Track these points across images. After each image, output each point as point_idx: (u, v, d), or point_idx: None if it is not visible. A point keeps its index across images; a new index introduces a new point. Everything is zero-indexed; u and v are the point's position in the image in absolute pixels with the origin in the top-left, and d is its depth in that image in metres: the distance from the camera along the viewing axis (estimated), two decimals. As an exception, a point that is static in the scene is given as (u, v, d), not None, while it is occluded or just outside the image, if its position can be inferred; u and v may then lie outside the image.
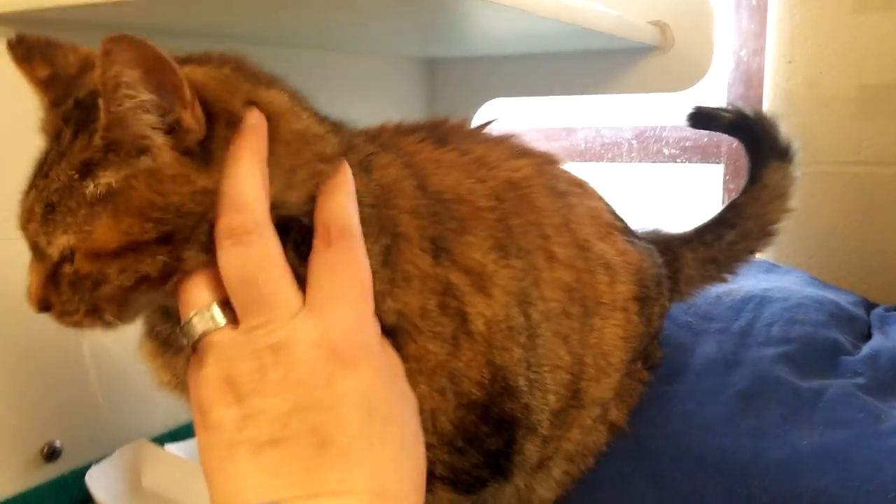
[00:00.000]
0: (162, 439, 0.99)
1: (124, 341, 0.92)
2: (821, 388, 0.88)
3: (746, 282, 1.18)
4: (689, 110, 1.07)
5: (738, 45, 1.51)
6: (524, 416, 0.67)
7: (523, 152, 0.79)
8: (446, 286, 0.61)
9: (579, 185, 0.84)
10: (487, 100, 1.58)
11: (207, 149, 0.47)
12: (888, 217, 1.36)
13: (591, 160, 1.65)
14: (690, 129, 1.62)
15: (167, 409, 1.01)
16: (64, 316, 0.50)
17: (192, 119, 0.46)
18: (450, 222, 0.63)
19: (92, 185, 0.46)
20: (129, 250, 0.46)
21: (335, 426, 0.44)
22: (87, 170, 0.46)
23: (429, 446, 0.60)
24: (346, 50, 1.33)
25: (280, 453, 0.43)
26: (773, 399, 0.85)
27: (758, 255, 1.42)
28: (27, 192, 0.49)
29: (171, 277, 0.48)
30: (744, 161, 1.56)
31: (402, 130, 0.74)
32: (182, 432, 1.03)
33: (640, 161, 1.61)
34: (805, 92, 1.39)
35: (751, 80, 1.51)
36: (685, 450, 0.81)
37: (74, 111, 0.48)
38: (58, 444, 0.88)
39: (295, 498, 0.42)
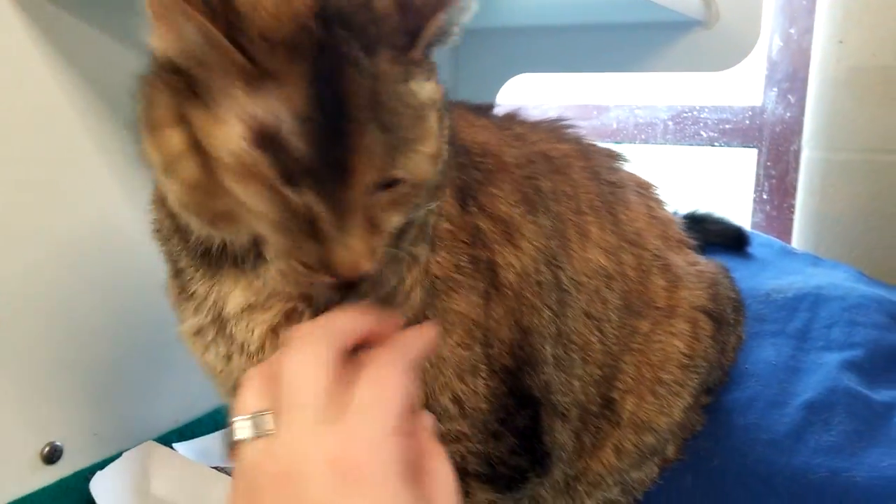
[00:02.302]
0: (168, 437, 0.91)
1: (125, 337, 0.86)
2: (893, 400, 0.81)
3: (794, 277, 1.11)
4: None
5: (787, 22, 1.42)
6: (544, 396, 0.62)
7: (571, 138, 0.74)
8: (475, 234, 0.57)
9: (643, 186, 0.79)
10: (513, 75, 1.49)
11: None
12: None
13: (623, 140, 1.56)
14: (731, 111, 1.55)
15: (173, 406, 0.94)
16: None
17: None
18: (475, 173, 0.60)
19: None
20: None
21: None
22: None
23: (461, 437, 0.57)
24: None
25: None
26: (843, 412, 0.78)
27: (800, 248, 1.35)
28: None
29: None
30: (786, 146, 1.50)
31: None
32: (189, 429, 0.95)
33: (675, 143, 1.53)
34: (856, 74, 1.31)
35: (798, 59, 1.42)
36: (751, 468, 0.73)
37: None
38: (58, 443, 0.80)
39: None
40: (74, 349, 0.81)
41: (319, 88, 0.39)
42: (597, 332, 0.66)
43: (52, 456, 0.80)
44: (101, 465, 0.82)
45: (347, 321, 0.46)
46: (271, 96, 0.39)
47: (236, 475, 0.43)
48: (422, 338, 0.48)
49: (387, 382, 0.44)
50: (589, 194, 0.69)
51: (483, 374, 0.57)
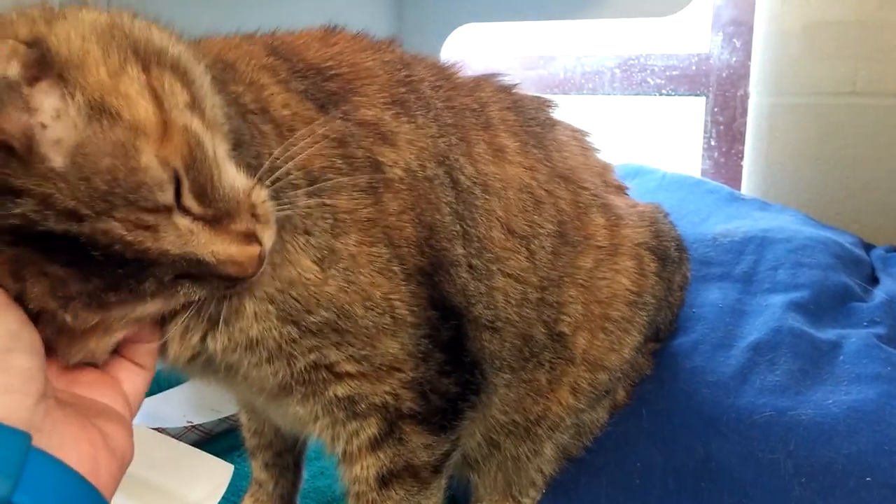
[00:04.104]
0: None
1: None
2: (838, 338, 0.81)
3: (742, 221, 1.11)
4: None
5: (731, -34, 1.40)
6: (465, 308, 0.60)
7: (492, 81, 0.71)
8: (343, 136, 0.55)
9: (576, 131, 0.77)
10: (457, 26, 1.46)
11: None
12: (883, 151, 1.28)
13: (570, 91, 1.54)
14: (678, 58, 1.54)
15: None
16: None
17: None
18: (327, 85, 0.57)
19: None
20: None
21: None
22: None
23: (395, 368, 0.55)
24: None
25: None
26: (788, 352, 0.78)
27: (748, 193, 1.35)
28: None
29: None
30: (732, 92, 1.49)
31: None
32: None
33: (622, 92, 1.51)
34: (800, 19, 1.30)
35: (742, 3, 1.40)
36: (696, 410, 0.73)
37: None
38: None
39: None
40: None
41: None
42: (524, 250, 0.64)
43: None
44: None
45: None
46: None
47: None
48: None
49: None
50: (506, 119, 0.68)
51: (401, 277, 0.55)
